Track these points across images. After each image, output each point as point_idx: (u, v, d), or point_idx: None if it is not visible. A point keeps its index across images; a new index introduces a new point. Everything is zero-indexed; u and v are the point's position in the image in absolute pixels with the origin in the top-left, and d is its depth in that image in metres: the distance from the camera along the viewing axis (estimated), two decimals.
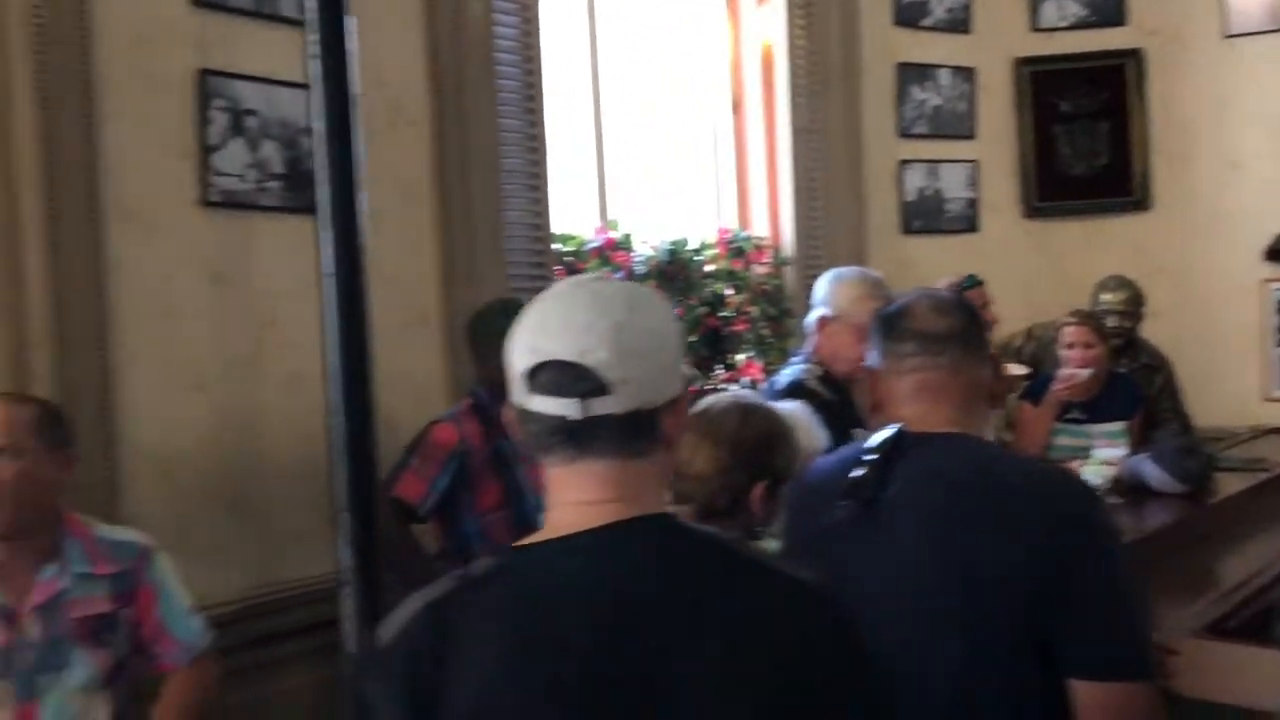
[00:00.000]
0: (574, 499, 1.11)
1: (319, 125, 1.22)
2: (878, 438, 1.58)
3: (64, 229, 2.52)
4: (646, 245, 4.24)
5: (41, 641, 2.00)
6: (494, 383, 2.84)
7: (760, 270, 4.66)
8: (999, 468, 1.58)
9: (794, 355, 3.11)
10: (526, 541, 1.13)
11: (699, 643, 1.04)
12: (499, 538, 2.73)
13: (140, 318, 2.68)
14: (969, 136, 5.36)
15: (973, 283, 4.06)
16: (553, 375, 1.09)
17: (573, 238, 3.99)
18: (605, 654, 1.03)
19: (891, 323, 1.65)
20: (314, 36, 1.58)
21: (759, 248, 4.72)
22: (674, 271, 4.24)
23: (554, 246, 3.80)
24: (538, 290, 3.48)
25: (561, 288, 1.17)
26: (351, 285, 1.51)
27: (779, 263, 4.75)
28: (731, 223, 4.80)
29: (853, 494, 1.53)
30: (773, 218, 4.84)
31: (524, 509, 2.75)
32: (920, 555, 1.50)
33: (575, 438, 1.10)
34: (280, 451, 2.97)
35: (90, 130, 2.56)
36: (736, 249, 4.59)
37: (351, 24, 1.59)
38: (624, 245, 4.12)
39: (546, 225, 3.72)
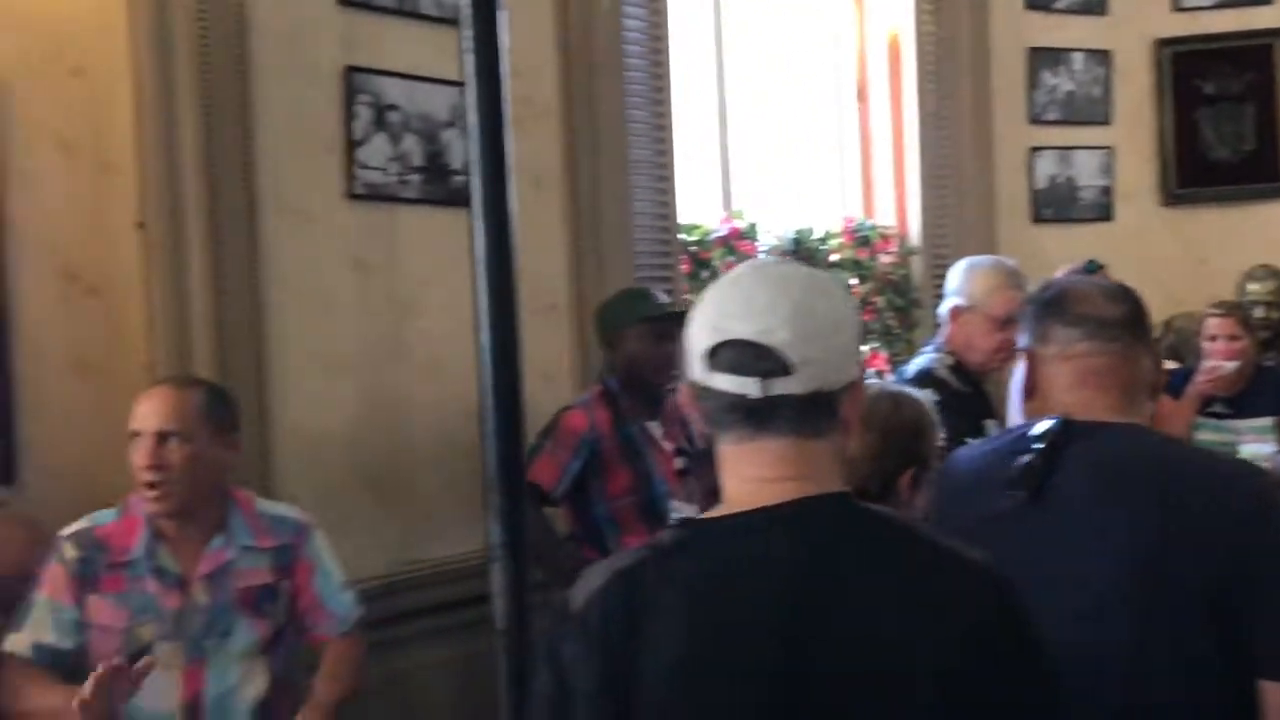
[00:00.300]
0: (752, 475, 1.13)
1: (473, 119, 1.27)
2: (1042, 426, 1.56)
3: (223, 221, 2.66)
4: (771, 235, 4.25)
5: (208, 608, 2.13)
6: (623, 370, 2.90)
7: (886, 260, 4.61)
8: (1176, 459, 1.56)
9: (925, 345, 3.09)
10: (709, 515, 1.16)
11: (881, 619, 1.06)
12: (628, 524, 2.79)
13: (291, 306, 2.82)
14: (1103, 122, 5.20)
15: (1093, 267, 3.95)
16: (734, 354, 1.11)
17: (697, 227, 4.02)
18: (792, 628, 1.06)
19: (1061, 307, 1.61)
20: (468, 32, 1.63)
21: (884, 237, 4.68)
22: (799, 261, 4.24)
23: (679, 236, 3.84)
24: (664, 280, 3.59)
25: (743, 269, 1.20)
26: (501, 273, 1.57)
27: (905, 252, 4.69)
28: (856, 212, 4.76)
29: (1021, 483, 1.52)
30: (899, 207, 4.79)
31: (653, 495, 2.80)
32: (1090, 546, 1.48)
33: (754, 416, 1.11)
34: (420, 434, 3.09)
35: (246, 126, 2.70)
36: (862, 238, 4.56)
37: (504, 19, 1.65)
38: (749, 235, 4.14)
39: (673, 215, 3.76)
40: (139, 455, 2.09)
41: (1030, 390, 1.63)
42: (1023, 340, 1.66)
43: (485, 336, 1.09)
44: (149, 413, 2.11)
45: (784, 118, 4.69)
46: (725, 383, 1.11)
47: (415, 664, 3.02)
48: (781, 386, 1.10)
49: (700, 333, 1.15)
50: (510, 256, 1.09)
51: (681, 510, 2.77)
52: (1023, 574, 1.15)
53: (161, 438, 2.09)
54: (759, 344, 1.10)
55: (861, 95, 4.89)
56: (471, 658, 3.17)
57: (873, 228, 4.66)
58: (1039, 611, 1.12)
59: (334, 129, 2.90)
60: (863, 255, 4.51)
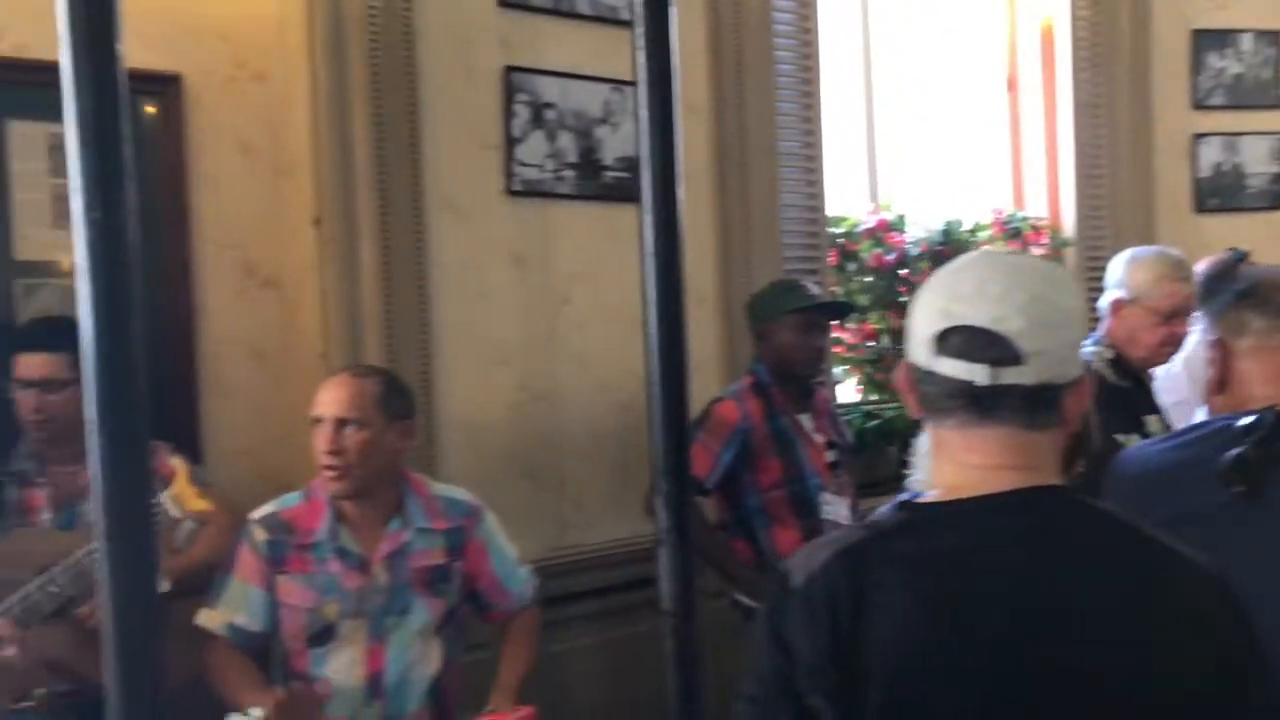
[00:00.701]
0: (974, 462, 1.13)
1: (644, 115, 1.32)
2: (1248, 419, 1.50)
3: (391, 218, 2.78)
4: (919, 226, 4.19)
5: (388, 588, 2.22)
6: (773, 361, 2.92)
7: (1037, 252, 4.50)
8: None
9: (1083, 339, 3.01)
10: (929, 499, 1.16)
11: (1107, 611, 1.06)
12: (779, 515, 2.81)
13: (453, 299, 2.93)
14: (1274, 106, 4.95)
15: (1239, 255, 3.76)
16: (964, 340, 1.10)
17: (845, 219, 4.00)
18: (1018, 615, 1.07)
19: (1258, 297, 1.56)
20: (640, 30, 1.67)
21: (1036, 229, 4.56)
22: (948, 253, 4.17)
23: (827, 229, 3.83)
24: (811, 273, 3.59)
25: (975, 256, 1.20)
26: (670, 267, 1.60)
27: (1058, 244, 4.57)
28: (1006, 203, 4.66)
29: (1237, 478, 1.47)
30: (1051, 198, 4.66)
31: (804, 488, 2.81)
32: None
33: (979, 403, 1.11)
34: (571, 425, 3.17)
35: (413, 126, 2.81)
36: (1013, 230, 4.46)
37: (674, 18, 1.68)
38: (896, 226, 4.09)
39: (821, 207, 3.75)
40: (320, 440, 2.19)
41: (1220, 383, 1.57)
42: (1209, 332, 1.60)
43: (653, 327, 1.11)
44: (330, 400, 2.21)
45: (932, 108, 4.62)
46: (952, 368, 1.11)
47: (566, 647, 3.11)
48: (1011, 376, 1.09)
49: (927, 316, 1.14)
50: (678, 251, 1.12)
51: (833, 503, 2.78)
52: (1240, 575, 1.12)
53: (340, 424, 2.18)
54: (991, 331, 1.09)
55: (1011, 84, 4.78)
56: (620, 641, 3.24)
57: (1024, 219, 4.55)
58: (1259, 616, 1.11)
59: (494, 127, 3.00)
60: (1014, 248, 4.41)
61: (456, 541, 2.31)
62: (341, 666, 2.18)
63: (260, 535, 2.22)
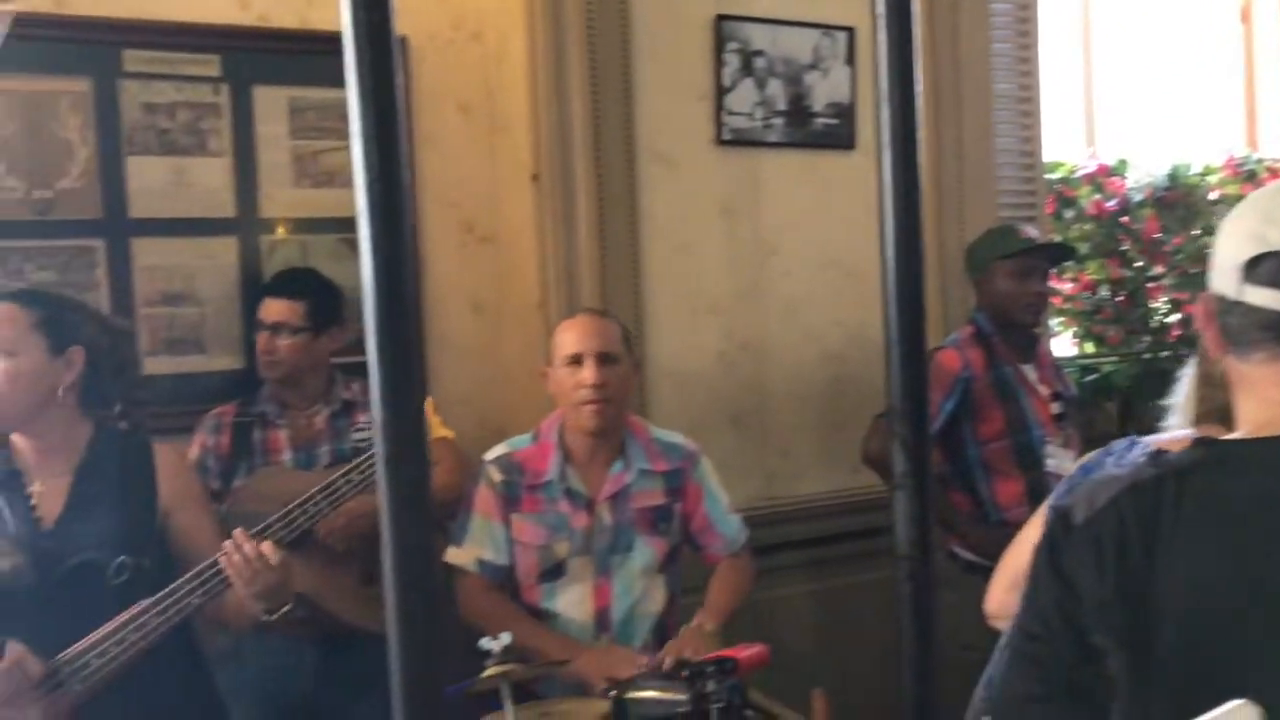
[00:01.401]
0: None
1: (883, 52, 1.29)
2: None
3: (606, 171, 2.84)
4: (1142, 171, 3.97)
5: (612, 527, 2.30)
6: (991, 309, 2.83)
7: None
8: None
9: None
10: (1229, 438, 1.10)
11: None
12: (1001, 467, 2.74)
13: (663, 250, 2.97)
14: None
15: None
16: (1277, 267, 1.02)
17: (1062, 165, 3.83)
18: None
19: None
20: None
21: (1273, 170, 4.24)
22: (1174, 198, 3.94)
23: (1044, 175, 3.67)
24: (1028, 220, 3.45)
25: None
26: (908, 211, 1.55)
27: None
28: (1238, 144, 4.35)
29: None
30: None
31: (1028, 439, 2.73)
32: None
33: None
34: (779, 375, 3.17)
35: (627, 79, 2.85)
36: (1247, 173, 4.16)
37: None
38: (1117, 171, 3.89)
39: (1038, 152, 3.59)
40: (587, 374, 2.23)
41: None
42: None
43: (890, 267, 1.09)
44: (591, 336, 2.27)
45: (1156, 45, 4.34)
46: (1262, 297, 1.03)
47: (772, 596, 3.13)
48: None
49: (1235, 242, 1.06)
50: (918, 190, 1.09)
51: (1057, 456, 2.68)
52: None
53: (604, 359, 2.26)
54: None
55: (1245, 16, 4.44)
56: (827, 593, 3.25)
57: (1259, 161, 4.24)
58: None
59: (705, 77, 3.00)
60: (1248, 191, 4.12)
61: (675, 483, 2.37)
62: (571, 602, 2.27)
63: (496, 475, 2.31)
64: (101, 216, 2.66)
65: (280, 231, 2.86)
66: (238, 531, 1.83)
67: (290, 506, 1.97)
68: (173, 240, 2.73)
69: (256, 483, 2.39)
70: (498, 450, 2.36)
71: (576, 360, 2.26)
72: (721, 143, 3.03)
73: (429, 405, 2.11)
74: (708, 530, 2.41)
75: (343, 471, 2.03)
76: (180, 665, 1.50)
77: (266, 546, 1.81)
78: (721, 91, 3.01)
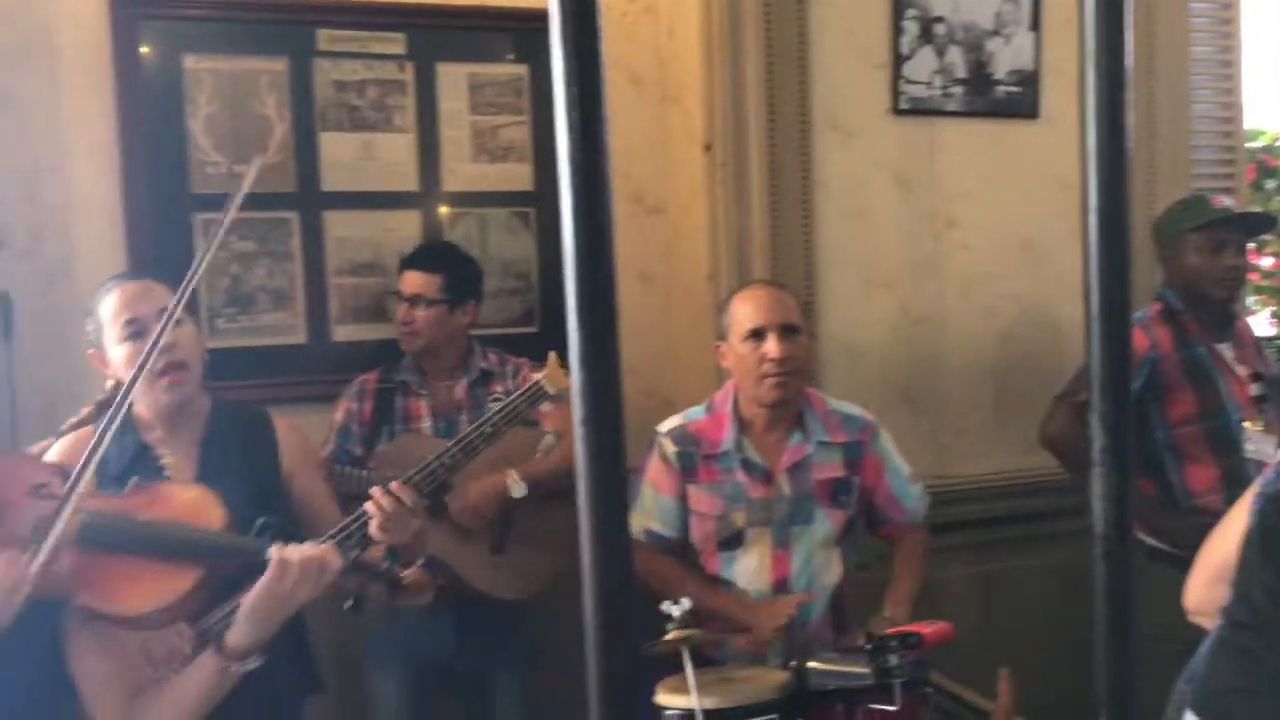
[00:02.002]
0: None
1: (1090, 11, 1.23)
2: None
3: (779, 140, 2.81)
4: None
5: (791, 498, 2.30)
6: (1182, 284, 2.69)
7: None
8: None
9: None
10: None
11: None
12: (1192, 452, 2.60)
13: (836, 220, 2.93)
14: None
15: None
16: None
17: (1264, 133, 3.59)
18: None
19: None
20: None
21: None
22: None
23: (1244, 143, 3.46)
24: (1225, 190, 3.26)
25: None
26: (1116, 170, 1.48)
27: None
28: None
29: None
30: None
31: (1224, 423, 2.58)
32: None
33: None
34: (953, 351, 3.09)
35: (803, 47, 2.81)
36: None
37: None
38: None
39: (1238, 118, 3.38)
40: (771, 348, 2.22)
41: None
42: None
43: (1093, 233, 1.04)
44: (773, 307, 2.26)
45: None
46: None
47: (941, 576, 3.07)
48: None
49: None
50: (1124, 163, 1.03)
51: (1258, 440, 2.53)
52: None
53: (788, 330, 2.24)
54: None
55: None
56: (997, 575, 3.16)
57: None
58: None
59: (882, 45, 2.94)
60: None
61: (854, 455, 2.35)
62: (749, 571, 2.27)
63: (670, 447, 2.32)
64: (295, 190, 2.80)
65: (448, 208, 2.95)
66: (393, 485, 1.89)
67: (429, 459, 2.05)
68: (360, 213, 2.85)
69: (397, 448, 2.47)
70: (672, 422, 2.37)
71: (758, 334, 2.24)
72: (898, 112, 2.96)
73: (554, 360, 2.14)
74: (891, 503, 2.39)
75: (475, 425, 2.10)
76: (290, 640, 1.56)
77: (407, 492, 1.87)
78: (899, 59, 2.94)
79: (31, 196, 2.56)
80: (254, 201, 2.75)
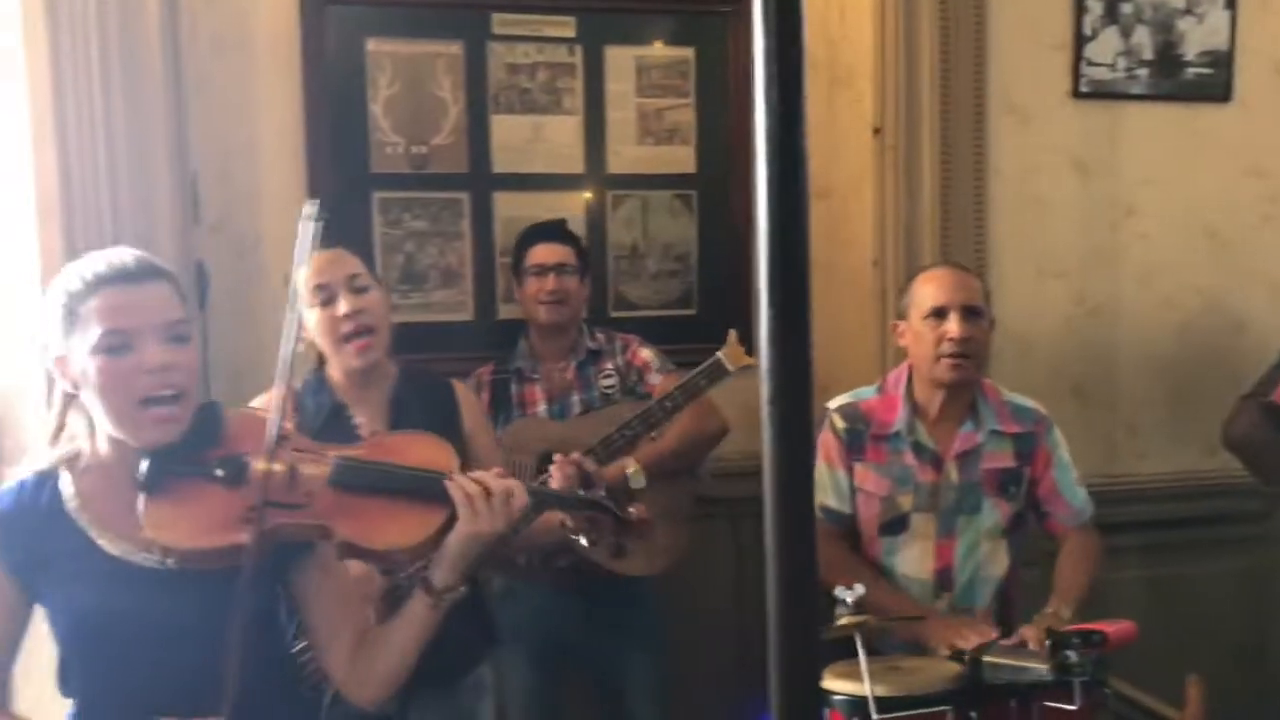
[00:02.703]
0: None
1: None
2: None
3: (952, 123, 2.74)
4: None
5: (959, 486, 2.26)
6: None
7: None
8: None
9: None
10: None
11: None
12: None
13: (1010, 208, 2.85)
14: None
15: None
16: None
17: None
18: None
19: None
20: None
21: None
22: None
23: None
24: None
25: None
26: None
27: None
28: None
29: None
30: None
31: None
32: None
33: None
34: (1128, 344, 2.97)
35: (980, 28, 2.74)
36: None
37: None
38: None
39: None
40: (952, 327, 2.19)
41: None
42: None
43: None
44: (957, 287, 2.22)
45: None
46: None
47: (1104, 579, 2.95)
48: None
49: None
50: None
51: None
52: None
53: (970, 312, 2.20)
54: None
55: None
56: (1168, 580, 3.03)
57: None
58: None
59: (1063, 25, 2.84)
60: None
61: (1025, 447, 2.29)
62: (911, 558, 2.24)
63: (840, 423, 2.31)
64: (467, 171, 2.87)
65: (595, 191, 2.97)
66: (574, 454, 1.94)
67: (610, 433, 2.06)
68: (528, 195, 2.90)
69: (514, 433, 2.49)
70: (842, 399, 2.35)
71: (940, 313, 2.20)
72: (1079, 95, 2.85)
73: (733, 337, 2.13)
74: (1055, 497, 2.32)
75: (658, 398, 2.12)
76: (470, 597, 1.61)
77: (588, 462, 1.92)
78: (1081, 40, 2.83)
79: (224, 174, 2.69)
80: (428, 182, 2.86)
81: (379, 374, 2.05)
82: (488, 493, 1.47)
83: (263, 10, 2.69)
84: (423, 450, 1.55)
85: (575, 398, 2.56)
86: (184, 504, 1.39)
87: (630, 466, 2.32)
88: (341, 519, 1.44)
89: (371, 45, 2.79)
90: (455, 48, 2.84)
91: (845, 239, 3.00)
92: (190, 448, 1.42)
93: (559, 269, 2.56)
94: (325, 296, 1.98)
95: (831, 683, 1.79)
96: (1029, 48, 2.82)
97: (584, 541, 1.65)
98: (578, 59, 2.92)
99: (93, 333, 1.38)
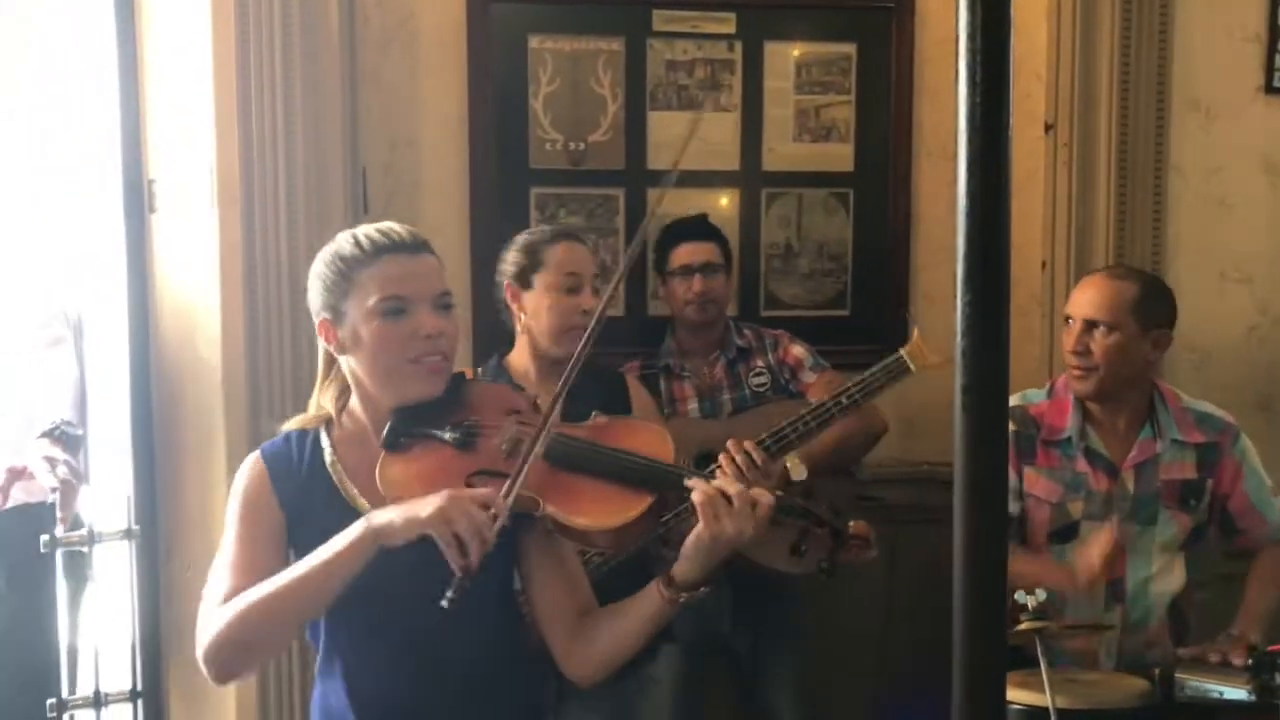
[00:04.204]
0: None
1: None
2: None
3: (1131, 121, 2.62)
4: None
5: (1135, 496, 2.16)
6: None
7: None
8: None
9: None
10: None
11: None
12: None
13: (1192, 209, 2.71)
14: None
15: None
16: None
17: None
18: None
19: None
20: None
21: None
22: None
23: None
24: None
25: None
26: None
27: None
28: None
29: None
30: None
31: None
32: None
33: None
34: None
35: (1164, 15, 2.61)
36: None
37: None
38: None
39: None
40: (1068, 339, 2.17)
41: None
42: None
43: None
44: (1082, 301, 2.17)
45: None
46: None
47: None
48: None
49: None
50: None
51: None
52: None
53: (1089, 325, 2.14)
54: None
55: None
56: None
57: None
58: None
59: (1257, 16, 2.69)
60: None
61: (1209, 457, 2.19)
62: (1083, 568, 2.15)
63: (1009, 426, 2.23)
64: (623, 167, 2.88)
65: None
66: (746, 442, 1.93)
67: (782, 425, 2.05)
68: (684, 191, 2.88)
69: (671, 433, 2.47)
70: (1011, 400, 2.27)
71: (1069, 319, 2.18)
72: (1271, 91, 2.70)
73: (918, 335, 2.09)
74: (1249, 511, 2.19)
75: (833, 395, 2.09)
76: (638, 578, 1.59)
77: (758, 451, 1.93)
78: (1276, 33, 2.67)
79: (388, 167, 2.76)
80: (584, 178, 2.88)
81: (559, 365, 2.09)
82: (728, 498, 1.44)
83: (430, 9, 2.75)
84: (643, 437, 1.56)
85: (726, 396, 2.54)
86: (414, 463, 1.45)
87: (791, 460, 2.28)
88: (551, 492, 1.46)
89: (534, 42, 2.82)
90: (616, 44, 2.85)
91: (1014, 242, 2.89)
92: (434, 411, 1.47)
93: (705, 269, 2.54)
94: (572, 284, 2.08)
95: (1010, 692, 1.71)
96: (1217, 40, 2.67)
97: (793, 554, 1.59)
98: (737, 55, 2.89)
99: (371, 297, 1.44)
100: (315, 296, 1.50)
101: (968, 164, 0.79)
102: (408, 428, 1.46)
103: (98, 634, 2.30)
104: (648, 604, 1.47)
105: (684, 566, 1.46)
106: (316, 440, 1.51)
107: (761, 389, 2.51)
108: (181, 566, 2.42)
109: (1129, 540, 2.14)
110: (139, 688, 2.24)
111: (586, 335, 1.50)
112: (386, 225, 1.52)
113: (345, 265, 1.47)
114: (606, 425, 1.60)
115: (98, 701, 2.20)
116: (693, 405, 2.56)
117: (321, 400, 1.54)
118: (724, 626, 2.49)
